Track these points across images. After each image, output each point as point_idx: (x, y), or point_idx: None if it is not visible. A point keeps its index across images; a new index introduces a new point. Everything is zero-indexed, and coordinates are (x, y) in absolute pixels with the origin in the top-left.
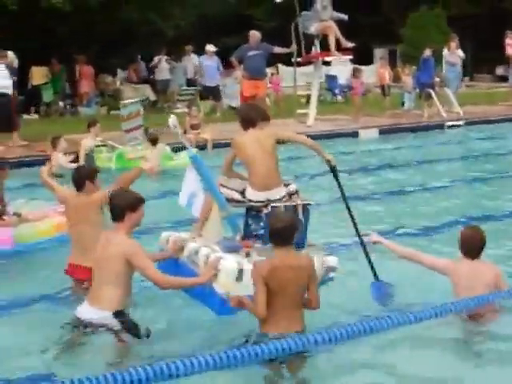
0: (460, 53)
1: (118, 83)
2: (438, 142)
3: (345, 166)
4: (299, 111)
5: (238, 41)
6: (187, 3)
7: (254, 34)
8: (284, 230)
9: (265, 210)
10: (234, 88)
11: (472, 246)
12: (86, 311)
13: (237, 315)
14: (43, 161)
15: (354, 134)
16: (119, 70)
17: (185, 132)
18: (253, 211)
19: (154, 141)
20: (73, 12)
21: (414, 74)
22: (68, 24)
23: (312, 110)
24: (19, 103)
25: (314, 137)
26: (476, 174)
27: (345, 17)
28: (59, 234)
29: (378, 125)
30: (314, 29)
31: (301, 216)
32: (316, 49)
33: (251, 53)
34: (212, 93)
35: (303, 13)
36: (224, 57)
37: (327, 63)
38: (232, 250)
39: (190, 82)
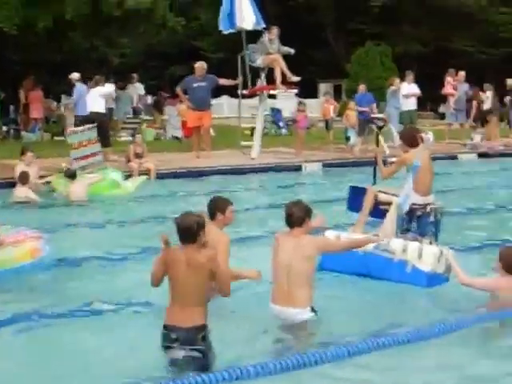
0: (415, 89)
1: (63, 109)
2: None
3: (286, 199)
4: (243, 143)
5: (186, 71)
6: (135, 32)
7: (200, 66)
8: (189, 228)
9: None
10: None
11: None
12: None
13: None
14: None
15: (298, 168)
16: (63, 96)
17: (129, 160)
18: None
19: (71, 177)
20: (19, 36)
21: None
22: (13, 48)
23: (256, 142)
24: None
25: (257, 169)
26: None
27: (291, 50)
28: (34, 260)
29: (322, 159)
30: (260, 61)
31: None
32: (262, 81)
33: (196, 84)
34: None
35: (250, 45)
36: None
37: (273, 96)
38: (417, 239)
39: (135, 111)
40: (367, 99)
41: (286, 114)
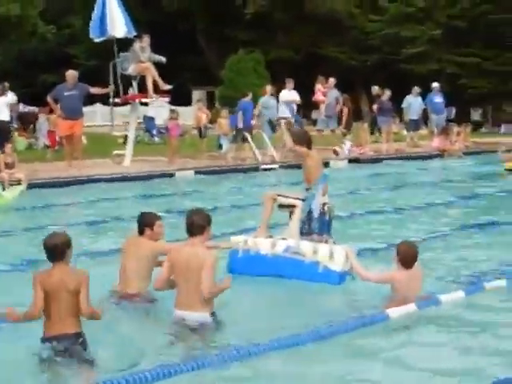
0: (295, 95)
1: None
2: (253, 184)
3: (159, 207)
4: (116, 152)
5: (58, 79)
6: (5, 40)
7: (71, 74)
8: (55, 247)
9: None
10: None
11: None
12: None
13: None
14: None
15: (170, 176)
16: None
17: None
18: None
19: None
20: None
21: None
22: None
23: (129, 150)
24: None
25: (130, 178)
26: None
27: (163, 59)
28: None
29: (194, 166)
30: (131, 70)
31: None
32: (133, 90)
33: (67, 93)
34: None
35: (121, 53)
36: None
37: (145, 104)
38: (325, 241)
39: None
40: (252, 107)
41: (159, 121)
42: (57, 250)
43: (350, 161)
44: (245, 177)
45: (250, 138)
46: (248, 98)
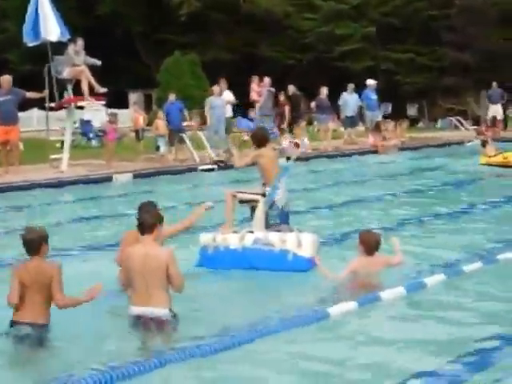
0: (230, 96)
1: None
2: (191, 185)
3: (96, 211)
4: (52, 156)
5: None
6: None
7: (5, 79)
8: (31, 241)
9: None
10: None
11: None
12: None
13: None
14: None
15: (108, 179)
16: None
17: None
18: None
19: None
20: None
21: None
22: None
23: (65, 155)
24: None
25: (67, 182)
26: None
27: (98, 62)
28: None
29: (133, 169)
30: (66, 74)
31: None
32: (69, 94)
33: (2, 98)
34: None
35: (56, 57)
36: None
37: (80, 107)
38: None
39: None
40: (177, 107)
41: (95, 125)
42: (33, 244)
43: (288, 158)
44: (183, 178)
45: (186, 139)
46: (172, 99)
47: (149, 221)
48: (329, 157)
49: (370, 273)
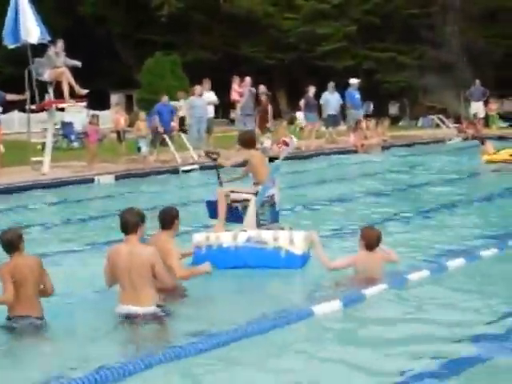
0: (213, 96)
1: None
2: (174, 185)
3: (80, 213)
4: (34, 159)
5: None
6: None
7: None
8: (10, 241)
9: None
10: None
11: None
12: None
13: None
14: None
15: (90, 181)
16: None
17: None
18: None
19: None
20: None
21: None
22: None
23: (47, 157)
24: None
25: (49, 184)
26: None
27: (78, 63)
28: None
29: (114, 171)
30: (47, 76)
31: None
32: (50, 96)
33: None
34: None
35: (36, 59)
36: None
37: (61, 109)
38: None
39: None
40: (169, 109)
41: (77, 127)
42: (12, 243)
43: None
44: (165, 179)
45: (168, 140)
46: (164, 101)
47: (131, 220)
48: (311, 156)
49: (370, 268)
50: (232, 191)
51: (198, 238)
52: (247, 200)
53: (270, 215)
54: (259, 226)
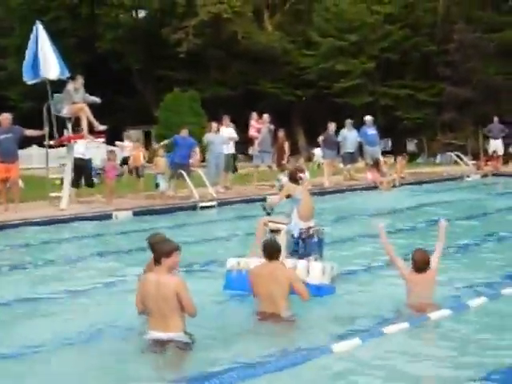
0: (233, 133)
1: None
2: (192, 222)
3: (97, 248)
4: (52, 194)
5: None
6: None
7: (5, 117)
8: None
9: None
10: None
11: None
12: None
13: None
14: None
15: (108, 217)
16: None
17: None
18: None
19: None
20: None
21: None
22: None
23: (65, 192)
24: None
25: (67, 220)
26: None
27: (97, 100)
28: None
29: (132, 206)
30: (66, 111)
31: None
32: (68, 131)
33: (2, 136)
34: None
35: (55, 95)
36: None
37: None
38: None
39: None
40: (189, 143)
41: (96, 162)
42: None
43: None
44: (183, 215)
45: (186, 176)
46: (184, 134)
47: (162, 250)
48: (328, 193)
49: (422, 290)
50: (271, 221)
51: (231, 262)
52: (280, 230)
53: (305, 247)
54: (292, 255)
